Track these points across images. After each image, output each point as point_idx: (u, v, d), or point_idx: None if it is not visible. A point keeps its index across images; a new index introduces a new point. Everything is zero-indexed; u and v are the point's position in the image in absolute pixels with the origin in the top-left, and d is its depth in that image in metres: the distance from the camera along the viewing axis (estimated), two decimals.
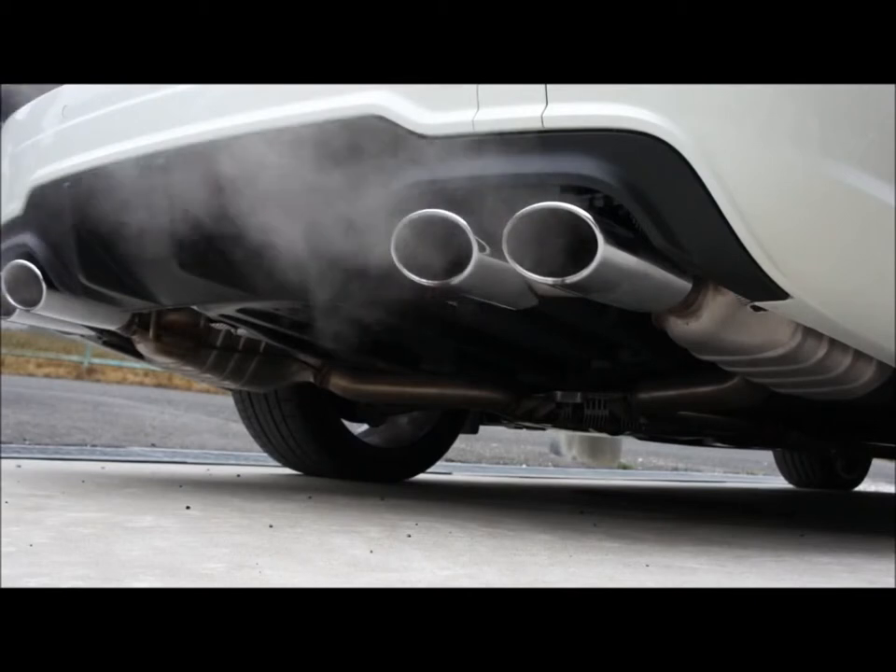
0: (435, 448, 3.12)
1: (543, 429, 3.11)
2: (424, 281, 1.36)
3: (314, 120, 1.50)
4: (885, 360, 1.73)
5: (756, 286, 1.41)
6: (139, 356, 2.33)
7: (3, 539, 1.30)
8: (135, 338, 2.23)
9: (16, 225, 2.03)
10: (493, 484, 3.48)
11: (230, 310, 2.06)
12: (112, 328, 2.19)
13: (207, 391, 12.04)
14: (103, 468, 2.76)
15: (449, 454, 3.33)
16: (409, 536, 1.64)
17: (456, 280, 1.34)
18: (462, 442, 5.30)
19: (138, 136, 1.73)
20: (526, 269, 1.29)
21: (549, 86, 1.33)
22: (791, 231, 1.39)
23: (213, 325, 2.30)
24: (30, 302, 1.92)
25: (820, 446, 3.64)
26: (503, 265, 1.32)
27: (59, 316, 2.07)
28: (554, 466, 5.72)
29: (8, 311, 2.05)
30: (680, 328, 1.53)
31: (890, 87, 1.42)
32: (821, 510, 3.67)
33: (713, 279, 1.46)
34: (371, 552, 1.44)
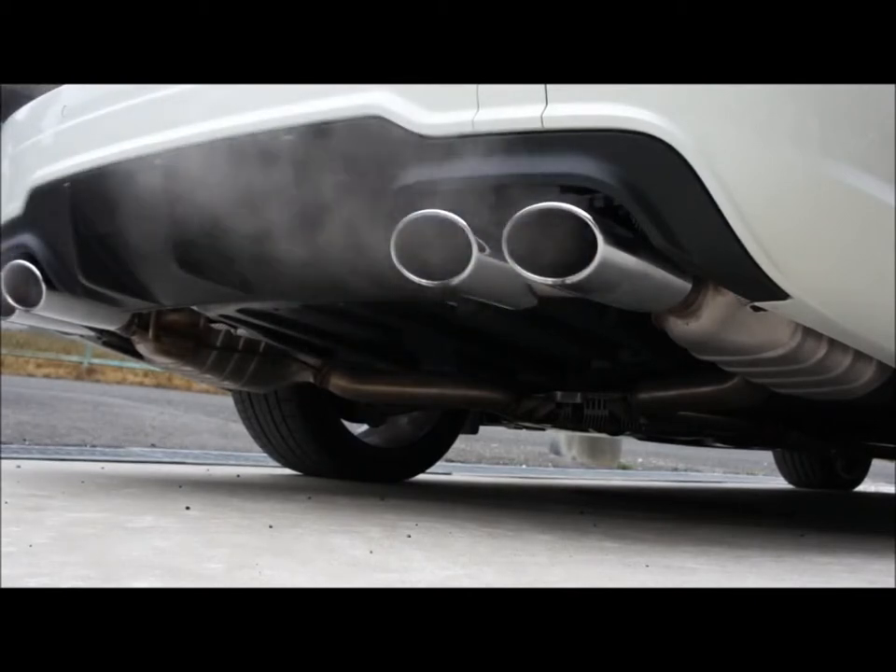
0: (435, 448, 3.12)
1: (543, 429, 3.11)
2: (424, 281, 1.36)
3: (313, 121, 1.50)
4: (885, 360, 1.73)
5: (756, 286, 1.41)
6: (139, 356, 2.33)
7: (3, 539, 1.30)
8: (135, 338, 2.23)
9: (16, 225, 2.02)
10: (493, 484, 3.48)
11: (230, 310, 2.06)
12: (112, 328, 2.19)
13: (207, 391, 12.04)
14: (103, 468, 2.76)
15: (449, 454, 3.33)
16: (409, 536, 1.64)
17: (456, 280, 1.34)
18: (462, 442, 5.30)
19: (138, 136, 1.73)
20: (526, 269, 1.29)
21: (549, 86, 1.33)
22: (791, 230, 1.39)
23: (213, 325, 2.30)
24: (30, 302, 1.92)
25: (820, 446, 3.65)
26: (503, 265, 1.32)
27: (59, 316, 2.07)
28: (554, 466, 5.72)
29: (8, 311, 2.05)
30: (680, 328, 1.53)
31: (890, 87, 1.42)
32: (821, 510, 3.67)
33: (713, 279, 1.46)
34: (371, 552, 1.44)
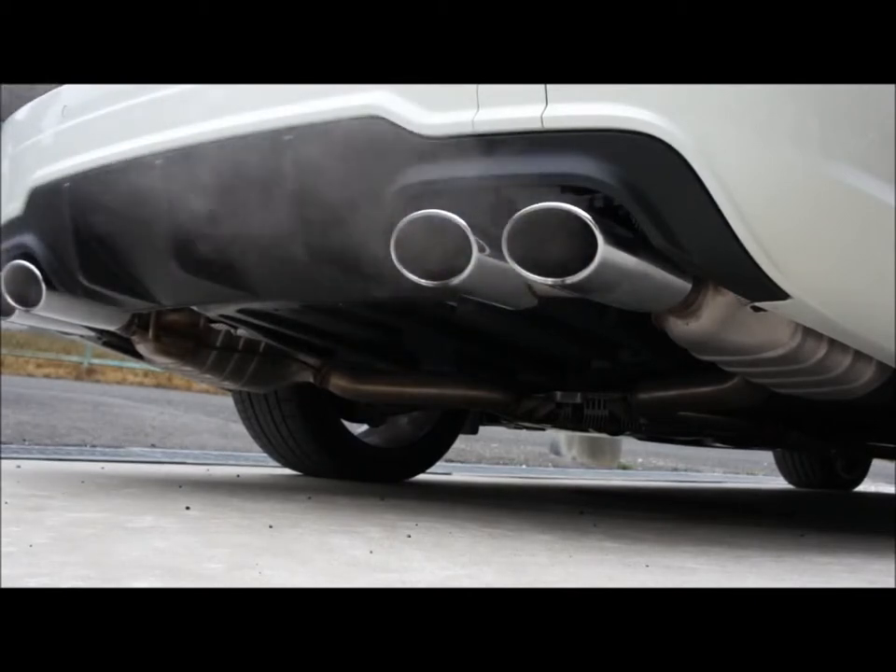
0: (435, 448, 3.12)
1: (543, 429, 3.12)
2: (423, 281, 1.36)
3: (313, 121, 1.50)
4: (885, 360, 1.73)
5: (756, 286, 1.41)
6: (139, 356, 2.33)
7: (3, 539, 1.30)
8: (135, 338, 2.23)
9: (16, 225, 2.03)
10: (493, 484, 3.47)
11: (230, 310, 2.06)
12: (112, 328, 2.19)
13: (207, 391, 12.04)
14: (103, 468, 2.76)
15: (449, 454, 3.33)
16: (409, 536, 1.64)
17: (456, 280, 1.34)
18: (462, 442, 5.30)
19: (138, 137, 1.73)
20: (526, 269, 1.29)
21: (549, 86, 1.33)
22: (791, 230, 1.39)
23: (213, 325, 2.30)
24: (30, 303, 1.92)
25: (820, 446, 3.65)
26: (503, 265, 1.32)
27: (59, 317, 2.07)
28: (554, 466, 5.72)
29: (8, 311, 2.05)
30: (680, 328, 1.53)
31: (890, 87, 1.42)
32: (821, 510, 3.67)
33: (713, 279, 1.46)
34: (371, 552, 1.44)
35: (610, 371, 2.25)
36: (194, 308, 2.10)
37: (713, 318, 1.50)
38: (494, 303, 1.53)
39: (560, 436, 6.51)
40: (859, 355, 1.71)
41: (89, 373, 14.89)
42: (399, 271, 1.36)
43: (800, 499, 4.24)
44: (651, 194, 1.32)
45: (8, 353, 14.00)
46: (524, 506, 2.56)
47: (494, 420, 2.93)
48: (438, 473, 3.51)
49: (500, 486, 3.44)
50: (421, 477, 3.15)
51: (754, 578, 1.45)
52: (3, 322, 2.15)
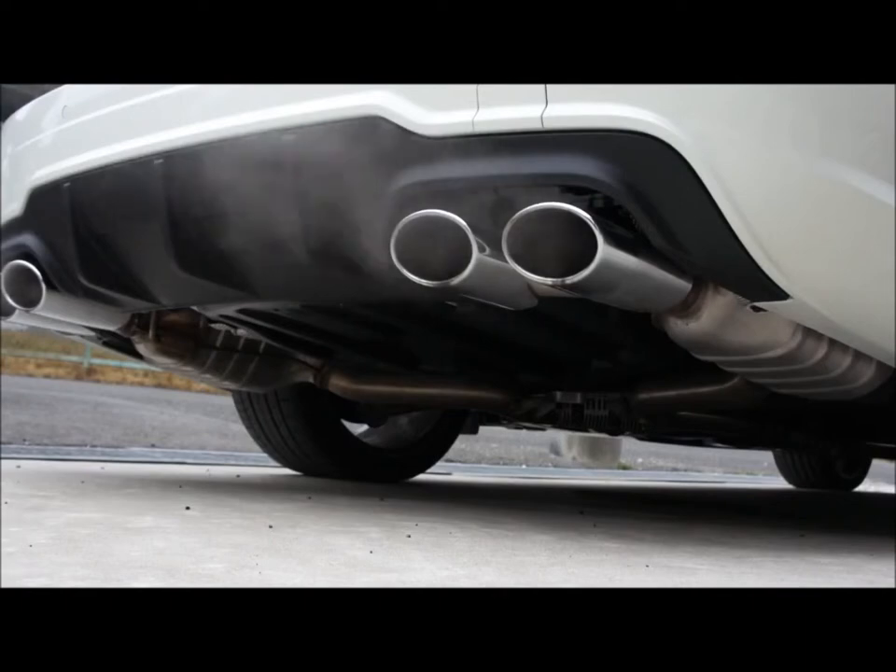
0: (435, 448, 3.12)
1: (543, 430, 3.12)
2: (423, 281, 1.36)
3: (314, 121, 1.50)
4: (885, 360, 1.73)
5: (756, 286, 1.41)
6: (139, 356, 2.33)
7: (3, 539, 1.30)
8: (135, 338, 2.23)
9: (16, 225, 2.03)
10: (493, 484, 3.48)
11: (230, 310, 2.06)
12: (112, 328, 2.19)
13: (207, 391, 12.04)
14: (103, 468, 2.76)
15: (449, 454, 3.33)
16: (409, 536, 1.64)
17: (456, 280, 1.34)
18: (462, 442, 5.30)
19: (138, 137, 1.73)
20: (526, 269, 1.29)
21: (548, 86, 1.33)
22: (791, 231, 1.39)
23: (213, 325, 2.30)
24: (30, 303, 1.92)
25: (821, 446, 3.65)
26: (503, 265, 1.32)
27: (59, 317, 2.07)
28: (554, 466, 5.72)
29: (8, 311, 2.05)
30: (680, 328, 1.53)
31: (890, 87, 1.42)
32: (821, 510, 3.67)
33: (713, 279, 1.46)
34: (371, 552, 1.44)
35: (610, 371, 2.25)
36: (194, 308, 2.10)
37: (713, 318, 1.50)
38: (494, 303, 1.53)
39: (560, 436, 6.52)
40: (859, 355, 1.71)
41: (89, 373, 14.90)
42: (399, 271, 1.36)
43: (800, 499, 4.24)
44: (651, 194, 1.32)
45: (8, 353, 14.01)
46: (524, 506, 2.56)
47: (494, 420, 2.93)
48: (438, 473, 3.51)
49: (500, 486, 3.44)
50: (421, 477, 3.15)
51: (754, 578, 1.45)
52: (3, 322, 2.15)
